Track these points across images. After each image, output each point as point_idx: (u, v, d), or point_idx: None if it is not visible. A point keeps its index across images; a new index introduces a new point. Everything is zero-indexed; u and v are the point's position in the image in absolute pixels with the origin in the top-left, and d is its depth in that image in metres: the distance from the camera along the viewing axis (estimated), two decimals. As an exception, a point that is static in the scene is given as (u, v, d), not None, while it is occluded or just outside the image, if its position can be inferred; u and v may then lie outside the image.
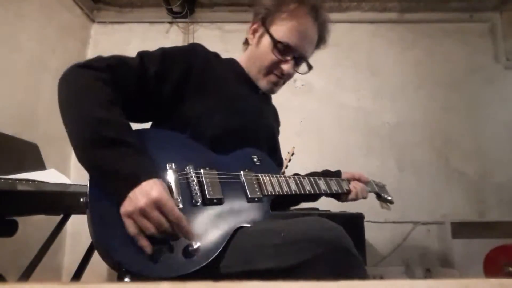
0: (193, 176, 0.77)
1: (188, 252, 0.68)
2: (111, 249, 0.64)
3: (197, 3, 2.97)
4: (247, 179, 0.87)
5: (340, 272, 0.63)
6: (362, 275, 0.65)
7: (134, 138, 0.71)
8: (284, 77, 1.02)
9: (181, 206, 0.71)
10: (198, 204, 0.74)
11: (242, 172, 0.87)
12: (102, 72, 0.78)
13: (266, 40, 0.99)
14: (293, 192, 0.95)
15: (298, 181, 0.99)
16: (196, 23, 2.98)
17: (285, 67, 0.99)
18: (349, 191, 1.13)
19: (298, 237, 0.67)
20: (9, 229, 1.18)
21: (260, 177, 0.90)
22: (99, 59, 0.82)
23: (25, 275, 1.27)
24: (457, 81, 2.82)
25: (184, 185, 0.75)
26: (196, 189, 0.76)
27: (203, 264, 0.69)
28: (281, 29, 0.97)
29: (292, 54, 0.99)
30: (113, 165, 0.67)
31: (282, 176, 0.97)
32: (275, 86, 1.04)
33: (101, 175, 0.68)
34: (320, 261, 0.63)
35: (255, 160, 0.94)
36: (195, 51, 0.96)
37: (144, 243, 0.65)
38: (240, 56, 1.10)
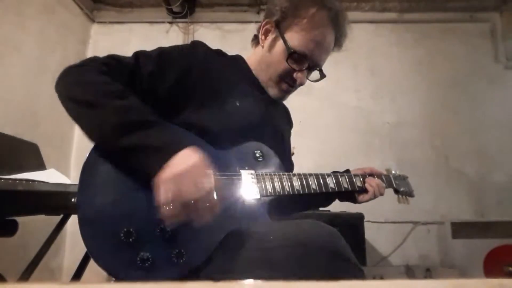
0: None
1: (173, 258, 0.67)
2: (96, 252, 0.64)
3: (197, 3, 2.97)
4: (246, 178, 0.82)
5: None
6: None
7: (158, 117, 0.72)
8: (296, 86, 0.98)
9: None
10: None
11: (241, 171, 0.83)
12: (101, 67, 0.78)
13: (280, 47, 0.93)
14: (296, 192, 0.87)
15: (304, 179, 0.91)
16: (196, 23, 2.98)
17: (299, 77, 0.94)
18: (364, 189, 1.02)
19: (288, 241, 0.64)
20: (9, 229, 1.18)
21: (260, 176, 0.85)
22: (94, 59, 0.81)
23: (25, 275, 1.27)
24: (457, 81, 2.82)
25: None
26: None
27: (188, 270, 0.68)
28: (298, 37, 0.91)
29: (308, 64, 0.93)
30: (148, 143, 0.67)
31: (285, 174, 0.90)
32: (286, 93, 1.00)
33: (134, 155, 0.67)
34: (310, 268, 0.60)
35: (258, 156, 0.89)
36: (195, 50, 0.92)
37: (173, 212, 0.64)
38: (247, 54, 1.05)
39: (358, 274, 0.63)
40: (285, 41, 0.91)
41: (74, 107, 0.73)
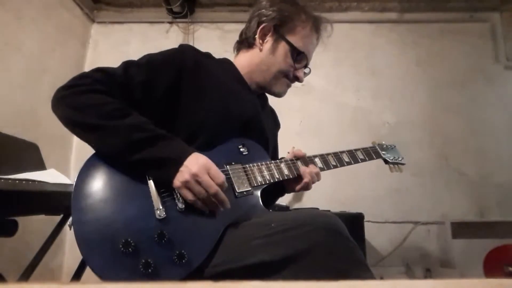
0: None
1: (175, 260, 0.68)
2: (100, 269, 0.66)
3: (197, 3, 2.97)
4: (234, 173, 0.85)
5: (335, 257, 0.62)
6: (359, 259, 0.65)
7: (161, 130, 0.78)
8: (294, 81, 1.07)
9: (164, 215, 0.71)
10: (182, 210, 0.74)
11: (228, 167, 0.85)
12: (95, 86, 0.79)
13: (284, 48, 1.01)
14: (286, 177, 0.91)
15: (291, 164, 0.95)
16: (196, 23, 2.98)
17: (301, 74, 1.05)
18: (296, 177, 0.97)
19: (288, 225, 0.68)
20: (9, 229, 1.18)
21: (248, 168, 0.88)
22: (84, 76, 0.82)
23: (25, 275, 1.27)
24: (457, 81, 2.82)
25: (167, 192, 0.76)
26: (178, 196, 0.75)
27: (191, 269, 0.69)
28: (298, 39, 1.01)
29: (306, 62, 1.05)
30: (159, 156, 0.74)
31: (272, 162, 0.92)
32: (287, 89, 1.09)
33: (148, 167, 0.74)
34: (311, 244, 0.63)
35: (242, 150, 0.92)
36: (183, 53, 0.94)
37: (203, 206, 0.74)
38: (235, 56, 1.09)
39: (356, 251, 0.66)
40: (289, 43, 1.00)
41: (79, 131, 0.77)
